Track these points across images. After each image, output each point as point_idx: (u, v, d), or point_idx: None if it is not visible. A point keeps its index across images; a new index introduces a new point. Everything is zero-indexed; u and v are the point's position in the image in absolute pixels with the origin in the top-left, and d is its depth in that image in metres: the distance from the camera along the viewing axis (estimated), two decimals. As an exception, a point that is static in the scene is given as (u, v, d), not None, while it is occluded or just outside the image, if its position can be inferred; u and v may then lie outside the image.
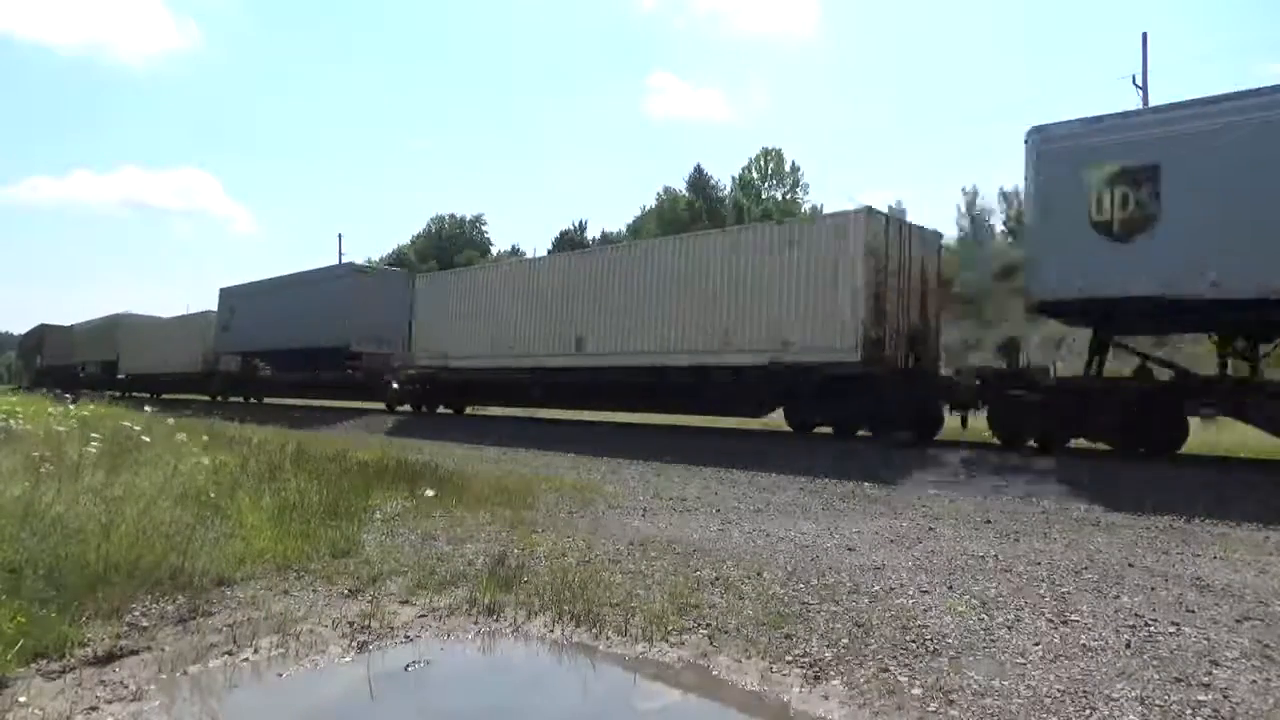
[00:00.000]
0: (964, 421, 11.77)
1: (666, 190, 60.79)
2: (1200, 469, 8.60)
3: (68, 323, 48.29)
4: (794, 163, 56.81)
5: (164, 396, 32.01)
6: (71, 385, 38.62)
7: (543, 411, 18.40)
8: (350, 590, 4.32)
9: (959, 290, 25.41)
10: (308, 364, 24.49)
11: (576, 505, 7.15)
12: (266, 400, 27.99)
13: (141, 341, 35.42)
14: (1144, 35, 28.75)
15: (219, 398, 29.11)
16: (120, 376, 36.18)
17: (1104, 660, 3.30)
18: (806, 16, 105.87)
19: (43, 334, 48.97)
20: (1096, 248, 9.53)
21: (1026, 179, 10.61)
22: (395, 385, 21.41)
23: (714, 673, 3.28)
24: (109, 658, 3.32)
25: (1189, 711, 2.80)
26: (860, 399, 12.16)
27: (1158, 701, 2.88)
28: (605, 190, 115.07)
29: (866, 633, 3.64)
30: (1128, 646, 3.46)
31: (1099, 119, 9.87)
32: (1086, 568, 4.97)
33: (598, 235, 61.87)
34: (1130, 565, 5.07)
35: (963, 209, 39.46)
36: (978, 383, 11.42)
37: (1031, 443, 10.75)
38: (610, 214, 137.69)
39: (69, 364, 43.11)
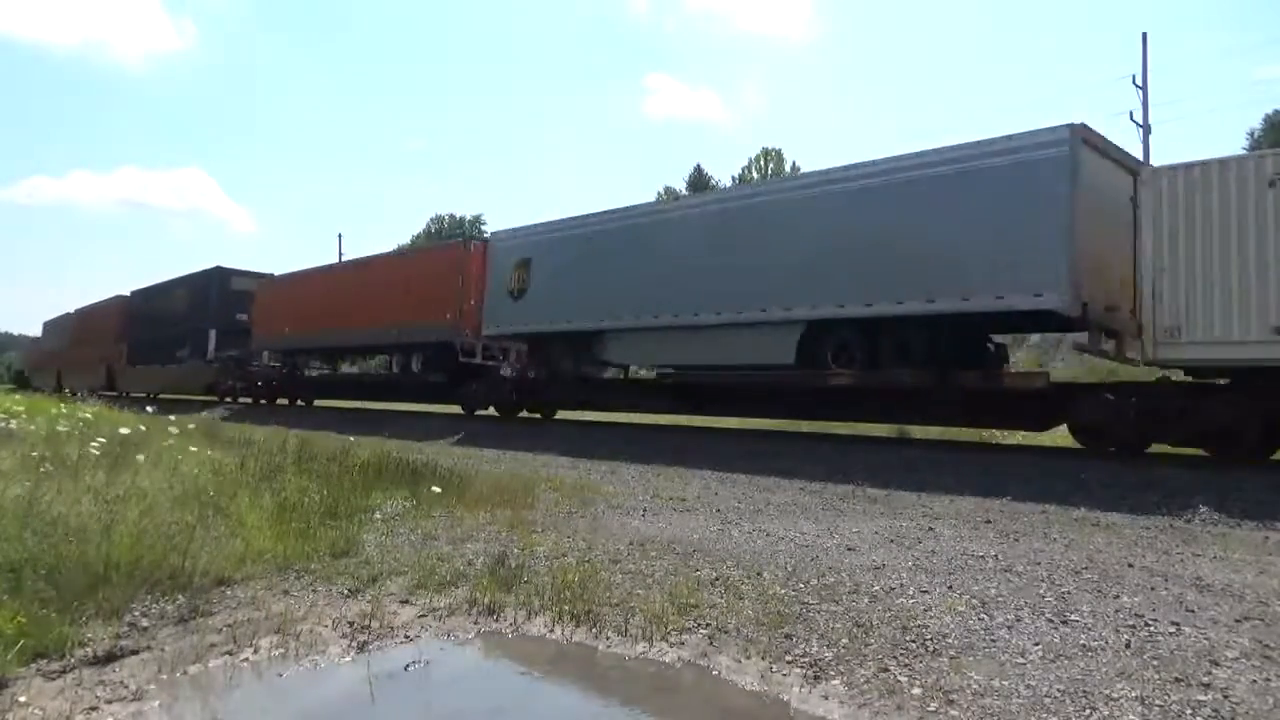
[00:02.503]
0: None
1: (667, 190, 60.80)
2: (1200, 469, 8.58)
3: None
4: (794, 163, 56.77)
5: None
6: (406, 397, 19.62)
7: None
8: (350, 590, 4.32)
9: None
10: None
11: (576, 505, 7.15)
12: None
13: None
14: (1144, 35, 28.86)
15: None
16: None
17: (1104, 660, 3.30)
18: (800, 17, 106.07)
19: (223, 284, 25.34)
20: None
21: None
22: None
23: (714, 673, 3.28)
24: (109, 658, 3.33)
25: (1189, 711, 2.80)
26: None
27: (1158, 701, 2.88)
28: (605, 190, 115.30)
29: (866, 633, 3.64)
30: (1128, 646, 3.46)
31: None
32: (1086, 568, 4.97)
33: (598, 235, 61.72)
34: (1130, 565, 5.07)
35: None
36: None
37: None
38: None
39: (394, 344, 20.16)
